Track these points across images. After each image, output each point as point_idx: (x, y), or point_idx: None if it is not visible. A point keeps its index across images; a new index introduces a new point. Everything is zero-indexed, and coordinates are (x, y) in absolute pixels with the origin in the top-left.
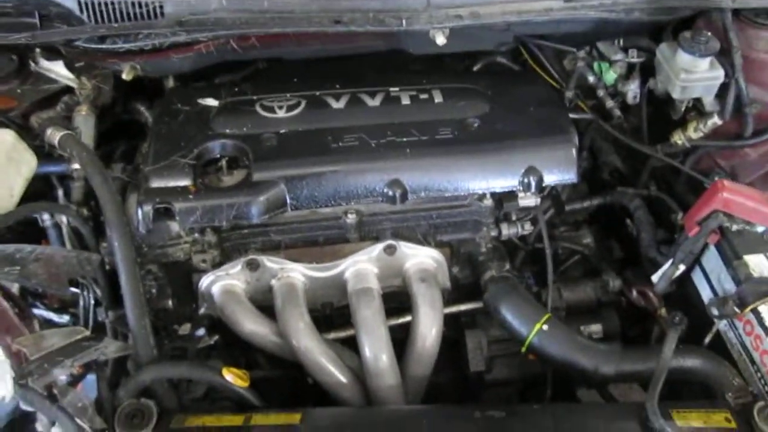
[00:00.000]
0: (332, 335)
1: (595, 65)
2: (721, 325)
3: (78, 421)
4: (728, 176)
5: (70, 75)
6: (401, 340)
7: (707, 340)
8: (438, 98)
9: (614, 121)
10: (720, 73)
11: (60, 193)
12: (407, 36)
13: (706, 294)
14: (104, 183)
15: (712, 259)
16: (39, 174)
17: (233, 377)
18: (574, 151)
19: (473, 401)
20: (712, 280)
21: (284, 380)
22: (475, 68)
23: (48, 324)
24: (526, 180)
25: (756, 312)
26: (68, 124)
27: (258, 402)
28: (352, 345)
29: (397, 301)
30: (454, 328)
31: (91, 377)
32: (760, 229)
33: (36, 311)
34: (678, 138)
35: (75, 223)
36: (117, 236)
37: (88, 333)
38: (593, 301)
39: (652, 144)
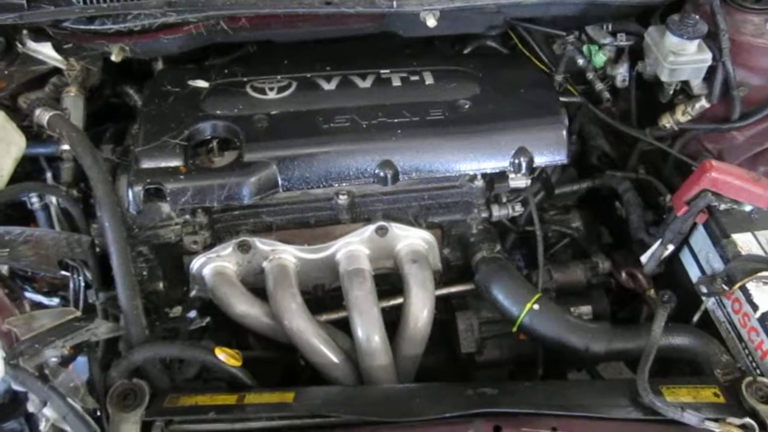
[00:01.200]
0: (324, 317)
1: (584, 48)
2: (710, 303)
3: (70, 400)
4: (716, 159)
5: (58, 56)
6: (393, 322)
7: (696, 318)
8: (429, 80)
9: (603, 105)
10: (708, 56)
11: (49, 175)
12: (398, 18)
13: (694, 273)
14: (95, 163)
15: (700, 239)
16: (28, 156)
17: (226, 357)
18: (564, 133)
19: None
20: (701, 259)
21: (276, 362)
22: (465, 51)
23: (38, 307)
24: (516, 161)
25: (744, 289)
26: (57, 105)
27: (251, 382)
28: (344, 327)
29: (389, 282)
30: (445, 310)
31: (82, 359)
32: (747, 207)
33: (25, 294)
34: (666, 121)
35: (65, 204)
36: (107, 216)
37: (79, 314)
38: (583, 283)
39: (641, 127)
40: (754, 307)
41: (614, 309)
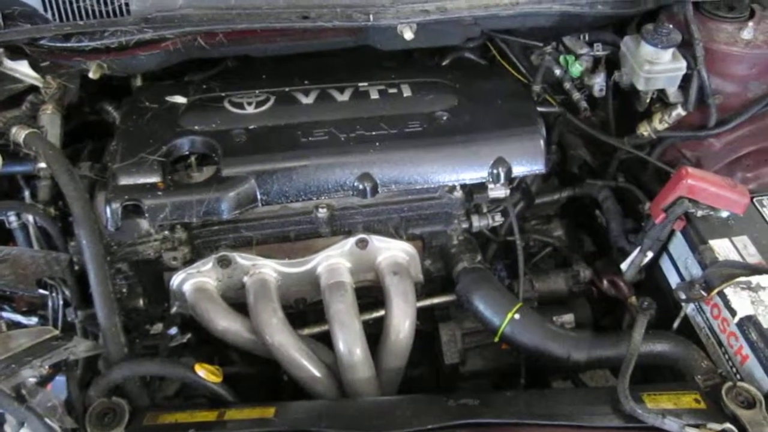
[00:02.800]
0: (306, 331)
1: (561, 58)
2: (689, 309)
3: (48, 421)
4: (694, 166)
5: (35, 74)
6: (376, 334)
7: (676, 324)
8: (407, 92)
9: (581, 114)
10: (682, 65)
11: (27, 193)
12: (375, 31)
13: (674, 280)
14: (71, 180)
15: (678, 245)
16: (5, 174)
17: (206, 373)
18: (541, 142)
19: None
20: (680, 265)
21: (259, 378)
22: (444, 63)
23: (16, 326)
24: (495, 171)
25: (722, 295)
26: (34, 124)
27: (232, 398)
28: (326, 341)
29: (371, 295)
30: (427, 322)
31: (61, 379)
32: (724, 214)
33: (3, 314)
34: (644, 129)
35: (42, 223)
36: (85, 233)
37: (57, 333)
38: (565, 292)
39: (620, 136)
40: (733, 313)
41: (597, 317)
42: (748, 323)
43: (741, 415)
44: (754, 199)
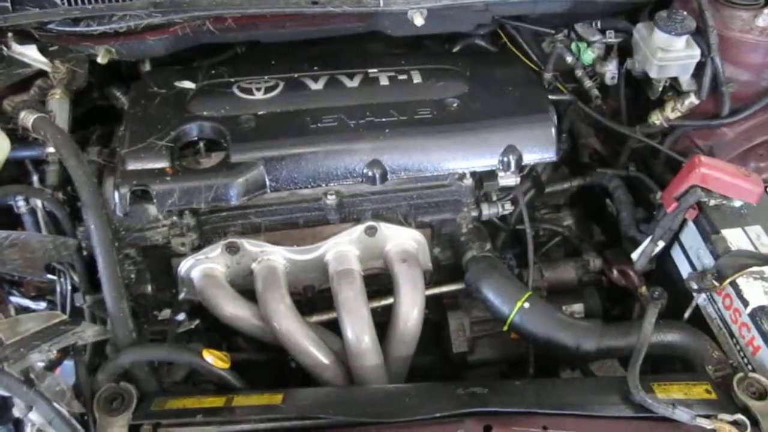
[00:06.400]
0: (314, 318)
1: (573, 46)
2: (701, 299)
3: (56, 405)
4: (706, 155)
5: (44, 59)
6: (384, 322)
7: (687, 314)
8: (417, 79)
9: (593, 103)
10: (696, 52)
11: (35, 178)
12: (385, 17)
13: (685, 270)
14: (79, 165)
15: (690, 235)
16: (13, 159)
17: (214, 359)
18: (552, 130)
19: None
20: (691, 255)
21: (267, 364)
22: (454, 50)
23: (24, 311)
24: (505, 159)
25: (734, 285)
26: (42, 108)
27: (239, 384)
28: (334, 328)
29: (379, 283)
30: (436, 310)
31: (69, 363)
32: (737, 203)
33: (12, 299)
34: (656, 118)
35: (50, 208)
36: (93, 218)
37: (65, 317)
38: (574, 281)
39: (631, 125)
40: (745, 303)
41: (606, 307)
42: (761, 314)
43: (752, 406)
44: None
